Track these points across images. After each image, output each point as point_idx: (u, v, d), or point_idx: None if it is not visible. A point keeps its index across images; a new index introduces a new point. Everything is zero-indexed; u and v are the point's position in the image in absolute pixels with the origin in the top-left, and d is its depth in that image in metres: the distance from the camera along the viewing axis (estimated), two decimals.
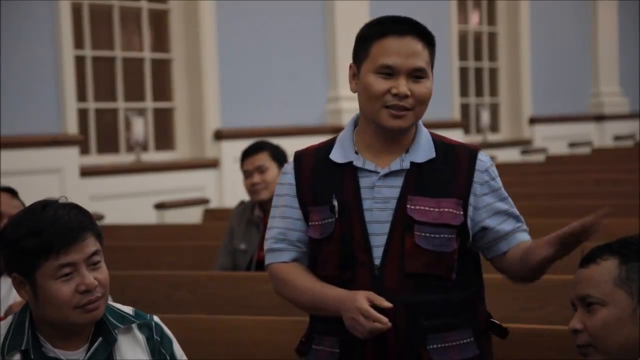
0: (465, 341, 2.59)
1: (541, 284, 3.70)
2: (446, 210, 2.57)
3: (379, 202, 2.59)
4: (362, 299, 2.51)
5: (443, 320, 2.57)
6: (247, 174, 4.72)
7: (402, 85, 2.56)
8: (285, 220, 2.69)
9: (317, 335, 2.69)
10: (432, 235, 2.55)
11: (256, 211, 4.73)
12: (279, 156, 4.73)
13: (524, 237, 2.67)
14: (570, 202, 6.17)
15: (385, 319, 2.48)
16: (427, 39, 2.62)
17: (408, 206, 2.56)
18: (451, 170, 2.61)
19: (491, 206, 2.63)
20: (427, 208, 2.56)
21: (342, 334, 2.59)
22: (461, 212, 2.58)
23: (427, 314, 2.55)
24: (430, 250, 2.55)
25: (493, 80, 12.13)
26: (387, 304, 2.49)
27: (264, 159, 4.70)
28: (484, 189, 2.62)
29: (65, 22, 7.30)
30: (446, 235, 2.56)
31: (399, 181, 2.59)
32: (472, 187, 2.61)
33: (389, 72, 2.57)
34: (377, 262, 2.56)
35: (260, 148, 4.75)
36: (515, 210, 2.69)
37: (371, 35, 2.61)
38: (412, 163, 2.61)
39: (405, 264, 2.55)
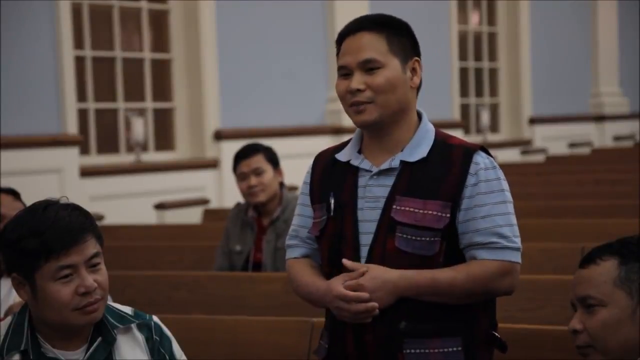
0: (450, 349, 2.53)
1: (541, 284, 3.72)
2: (430, 212, 2.52)
3: (369, 201, 2.59)
4: (337, 284, 2.54)
5: (424, 325, 2.53)
6: (242, 177, 4.69)
7: (354, 81, 2.59)
8: (299, 217, 2.76)
9: (324, 330, 2.74)
10: (414, 238, 2.52)
11: (250, 212, 4.73)
12: (273, 158, 4.72)
13: (482, 255, 2.54)
14: (570, 202, 6.17)
15: (366, 295, 2.49)
16: (385, 29, 2.59)
17: (393, 207, 2.55)
18: (444, 170, 2.56)
19: (470, 211, 2.54)
20: (412, 209, 2.53)
21: (330, 329, 2.65)
22: (447, 215, 2.52)
23: (406, 317, 2.52)
24: (410, 252, 2.52)
25: (493, 80, 12.13)
26: (362, 269, 2.52)
27: (259, 161, 4.68)
28: (470, 192, 2.54)
29: (65, 22, 7.29)
30: (427, 238, 2.52)
31: (390, 180, 2.59)
32: (463, 189, 2.54)
33: (346, 73, 2.62)
34: (363, 261, 2.57)
35: (255, 150, 4.73)
36: (497, 220, 2.53)
37: (337, 41, 2.67)
38: (403, 162, 2.59)
39: (385, 265, 2.54)
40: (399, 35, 2.61)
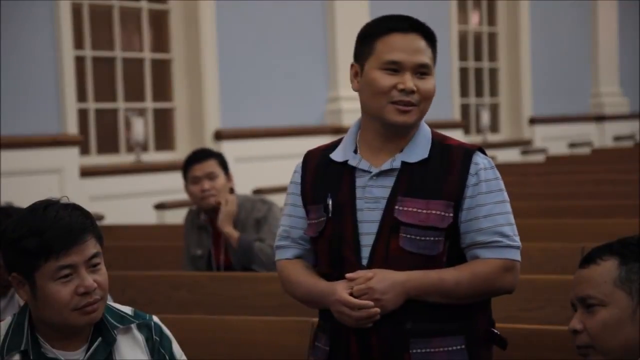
0: (454, 348, 2.55)
1: (541, 284, 3.72)
2: (433, 212, 2.54)
3: (369, 201, 2.59)
4: (341, 290, 2.54)
5: (429, 325, 2.55)
6: (195, 180, 4.67)
7: (409, 81, 2.58)
8: (290, 218, 2.74)
9: (319, 331, 2.73)
10: (418, 238, 2.54)
11: (202, 216, 4.76)
12: (224, 164, 4.74)
13: (485, 254, 2.57)
14: (570, 202, 6.17)
15: (370, 303, 2.51)
16: (429, 37, 2.64)
17: (396, 207, 2.56)
18: (444, 171, 2.58)
19: (472, 210, 2.57)
20: (415, 209, 2.55)
21: (331, 331, 2.64)
22: (450, 214, 2.55)
23: (412, 317, 2.54)
24: (415, 252, 2.54)
25: (493, 80, 12.13)
26: (369, 274, 2.52)
27: (213, 165, 4.69)
28: (471, 191, 2.57)
29: (65, 22, 7.29)
30: (432, 238, 2.54)
31: (390, 181, 2.59)
32: (464, 188, 2.57)
33: (394, 69, 2.59)
34: (365, 262, 2.57)
35: (210, 155, 4.75)
36: (499, 219, 2.57)
37: (375, 32, 2.63)
38: (404, 163, 2.60)
39: (389, 265, 2.55)
40: (435, 46, 2.67)
